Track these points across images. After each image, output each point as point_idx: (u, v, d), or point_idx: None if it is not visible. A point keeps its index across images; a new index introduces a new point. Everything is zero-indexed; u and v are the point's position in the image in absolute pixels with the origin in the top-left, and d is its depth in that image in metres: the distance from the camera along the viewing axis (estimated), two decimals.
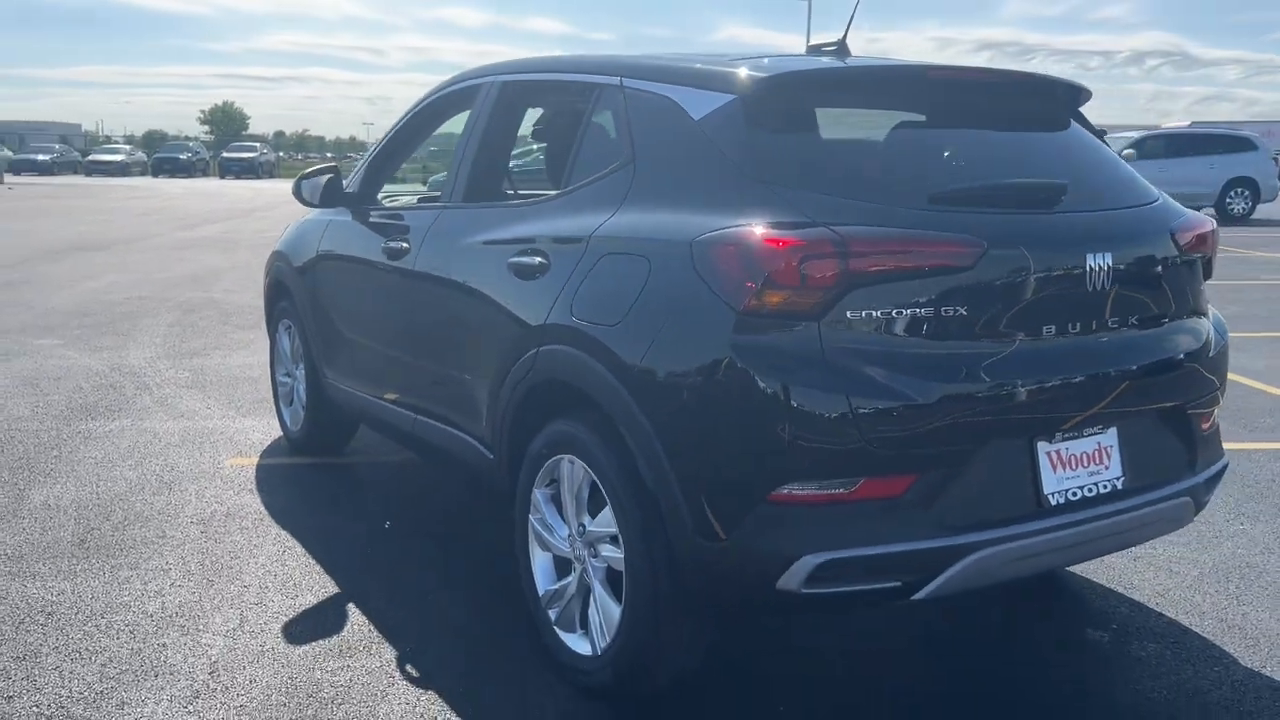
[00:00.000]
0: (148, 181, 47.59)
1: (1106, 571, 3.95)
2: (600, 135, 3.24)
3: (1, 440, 5.46)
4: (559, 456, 3.04)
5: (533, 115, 4.03)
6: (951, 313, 2.54)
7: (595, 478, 2.87)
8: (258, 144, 63.56)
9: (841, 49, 3.32)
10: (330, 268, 4.70)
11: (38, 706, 2.91)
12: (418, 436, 4.03)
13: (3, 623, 3.42)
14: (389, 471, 5.18)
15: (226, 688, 3.03)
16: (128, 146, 67.98)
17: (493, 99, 3.81)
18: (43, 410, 6.09)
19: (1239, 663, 3.27)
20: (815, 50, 3.36)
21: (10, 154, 54.10)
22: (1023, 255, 2.64)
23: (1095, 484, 2.79)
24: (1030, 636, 3.52)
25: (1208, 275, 3.19)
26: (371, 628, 3.43)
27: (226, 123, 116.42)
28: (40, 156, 53.23)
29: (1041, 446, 2.70)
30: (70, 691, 2.99)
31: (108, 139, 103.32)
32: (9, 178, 42.75)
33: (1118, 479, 2.84)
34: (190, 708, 2.91)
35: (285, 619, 3.49)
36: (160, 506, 4.53)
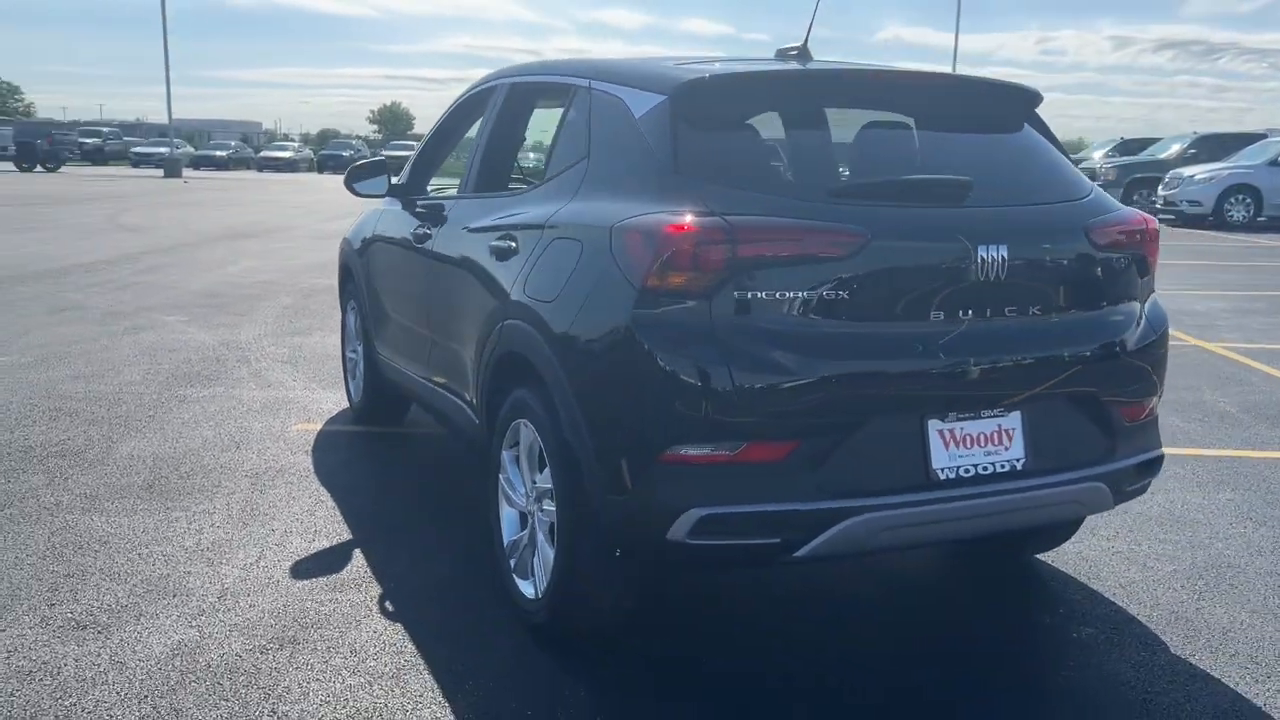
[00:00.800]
0: (312, 177, 50.29)
1: (1078, 563, 4.05)
2: (572, 131, 3.57)
3: (111, 400, 6.16)
4: (518, 420, 3.38)
5: (536, 114, 4.40)
6: (834, 296, 2.78)
7: (540, 439, 3.20)
8: (414, 143, 66.07)
9: (803, 53, 3.56)
10: (377, 251, 5.19)
11: (72, 614, 3.43)
12: (434, 405, 4.46)
13: (66, 546, 3.98)
14: (435, 441, 5.63)
15: (229, 609, 3.49)
16: (296, 143, 71.89)
17: (501, 99, 4.21)
18: (151, 376, 6.81)
19: (1169, 651, 3.37)
20: (782, 54, 3.60)
21: (192, 150, 57.94)
22: (907, 246, 2.86)
23: (992, 463, 2.96)
24: (974, 613, 3.68)
25: (1144, 272, 3.30)
26: (367, 570, 3.85)
27: (393, 122, 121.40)
28: (218, 152, 56.85)
29: (933, 425, 2.90)
30: (102, 604, 3.51)
31: (285, 136, 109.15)
32: (188, 172, 45.77)
33: (1018, 460, 3.00)
34: (194, 622, 3.39)
35: (297, 559, 3.95)
36: (224, 462, 5.09)
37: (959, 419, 2.93)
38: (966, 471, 2.93)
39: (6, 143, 40.47)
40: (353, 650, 3.24)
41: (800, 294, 2.76)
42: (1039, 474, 3.02)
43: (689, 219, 2.76)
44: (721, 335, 2.72)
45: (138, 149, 53.69)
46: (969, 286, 2.90)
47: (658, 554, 2.86)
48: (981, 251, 2.89)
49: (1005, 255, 2.91)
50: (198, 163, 54.42)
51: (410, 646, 3.27)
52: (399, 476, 5.03)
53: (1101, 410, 3.15)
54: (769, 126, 3.26)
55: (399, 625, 3.41)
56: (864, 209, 2.87)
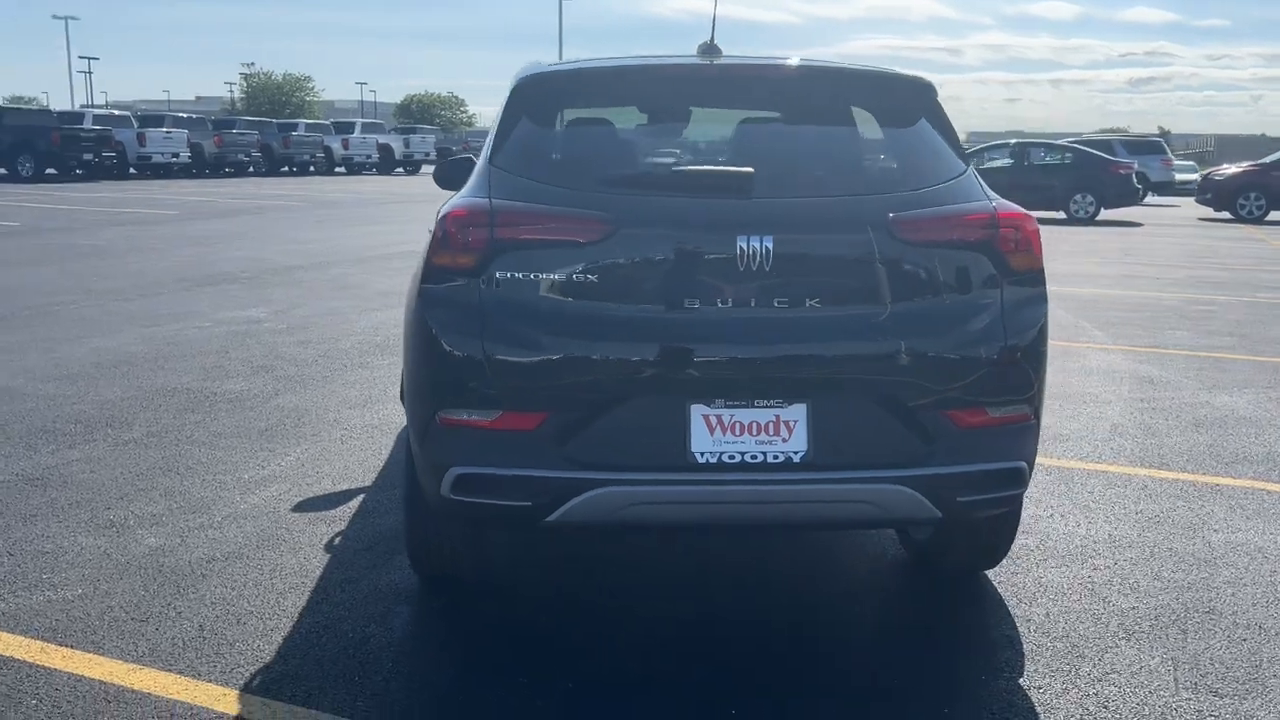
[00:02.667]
0: None
1: (1024, 573, 3.81)
2: None
3: (312, 362, 7.27)
4: None
5: None
6: (584, 280, 2.96)
7: None
8: None
9: (711, 49, 3.66)
10: None
11: (114, 517, 4.33)
12: None
13: (158, 468, 4.95)
14: None
15: (218, 525, 4.24)
16: None
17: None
18: (360, 346, 7.90)
19: (995, 657, 3.17)
20: (704, 47, 3.73)
21: None
22: (657, 234, 2.96)
23: (764, 452, 2.98)
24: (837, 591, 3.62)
25: (998, 270, 3.11)
26: (359, 507, 4.46)
27: None
28: None
29: (696, 409, 2.98)
30: (142, 513, 4.38)
31: None
32: None
33: (797, 452, 2.99)
34: (184, 532, 4.16)
35: (327, 490, 4.66)
36: (343, 418, 5.93)
37: (728, 406, 2.99)
38: (731, 458, 2.98)
39: (428, 149, 46.05)
40: (274, 568, 3.84)
41: (554, 276, 2.97)
42: (822, 469, 2.99)
43: (463, 204, 3.07)
44: (485, 311, 3.00)
45: None
46: (730, 276, 2.95)
47: (440, 508, 3.18)
48: (741, 242, 2.93)
49: (770, 247, 2.93)
50: None
51: (314, 569, 3.82)
52: None
53: (915, 412, 3.03)
54: (618, 119, 3.45)
55: (333, 548, 3.98)
56: (621, 198, 3.02)
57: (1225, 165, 27.34)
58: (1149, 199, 28.80)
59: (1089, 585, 3.82)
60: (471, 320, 3.01)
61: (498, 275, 3.00)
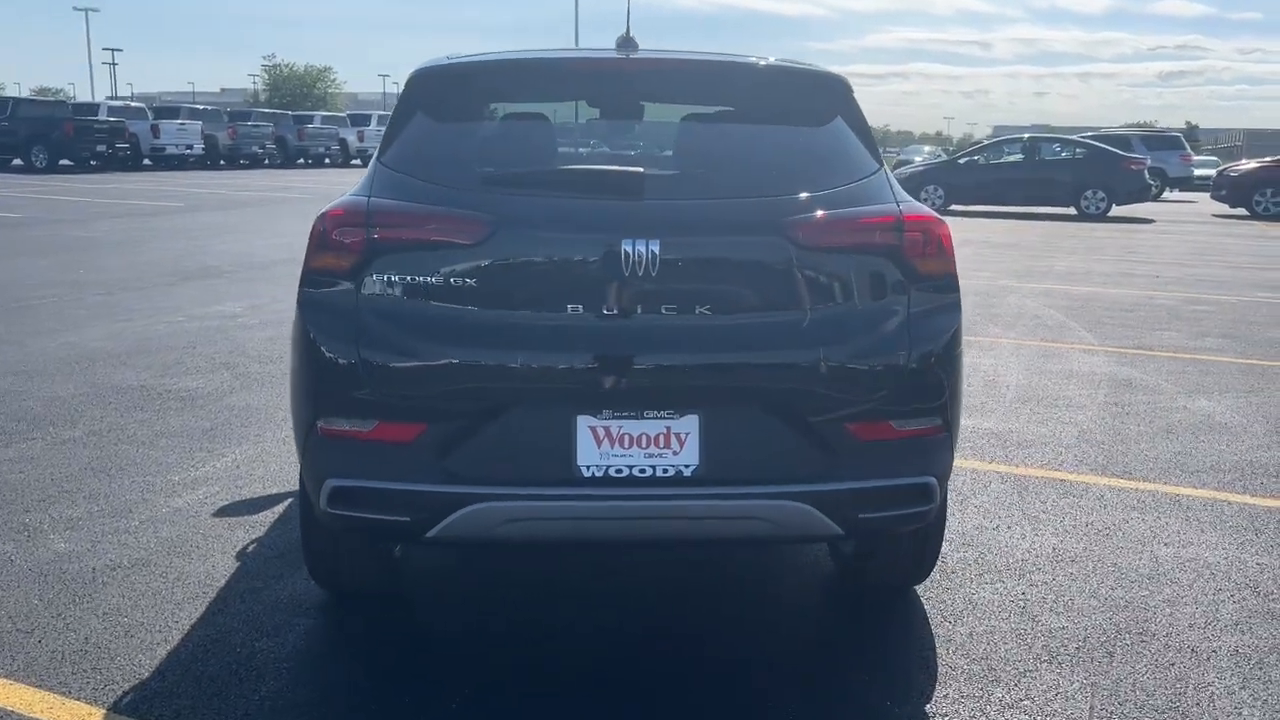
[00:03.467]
0: None
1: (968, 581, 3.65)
2: None
3: (276, 360, 7.18)
4: None
5: None
6: (463, 284, 2.83)
7: None
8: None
9: (628, 43, 3.52)
10: None
11: (30, 522, 4.24)
12: None
13: (88, 470, 4.86)
14: None
15: (130, 531, 4.14)
16: None
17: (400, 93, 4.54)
18: None
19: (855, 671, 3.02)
20: (621, 41, 3.58)
21: None
22: (538, 236, 2.82)
23: (653, 466, 2.85)
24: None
25: (904, 276, 2.95)
26: (284, 512, 4.35)
27: None
28: None
29: (583, 420, 2.85)
30: (60, 516, 4.29)
31: None
32: None
33: (688, 466, 2.85)
34: (92, 538, 4.06)
35: (256, 493, 4.57)
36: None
37: (616, 417, 2.85)
38: (618, 471, 2.84)
39: None
40: (179, 576, 3.74)
41: (433, 279, 2.84)
42: (714, 484, 2.86)
43: (342, 204, 2.95)
44: (362, 316, 2.88)
45: None
46: (616, 281, 2.81)
47: (322, 520, 3.06)
48: (627, 246, 2.79)
49: (657, 251, 2.79)
50: None
51: (218, 578, 3.72)
52: None
53: (814, 425, 2.89)
54: (513, 116, 3.32)
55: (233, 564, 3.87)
56: (502, 198, 2.88)
57: (1243, 160, 26.92)
58: (1166, 195, 28.39)
59: (1021, 603, 3.67)
60: (348, 326, 2.88)
61: (375, 278, 2.87)
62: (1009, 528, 4.38)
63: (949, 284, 3.05)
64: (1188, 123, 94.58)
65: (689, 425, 2.87)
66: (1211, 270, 13.47)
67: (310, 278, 2.96)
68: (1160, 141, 31.24)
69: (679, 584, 3.83)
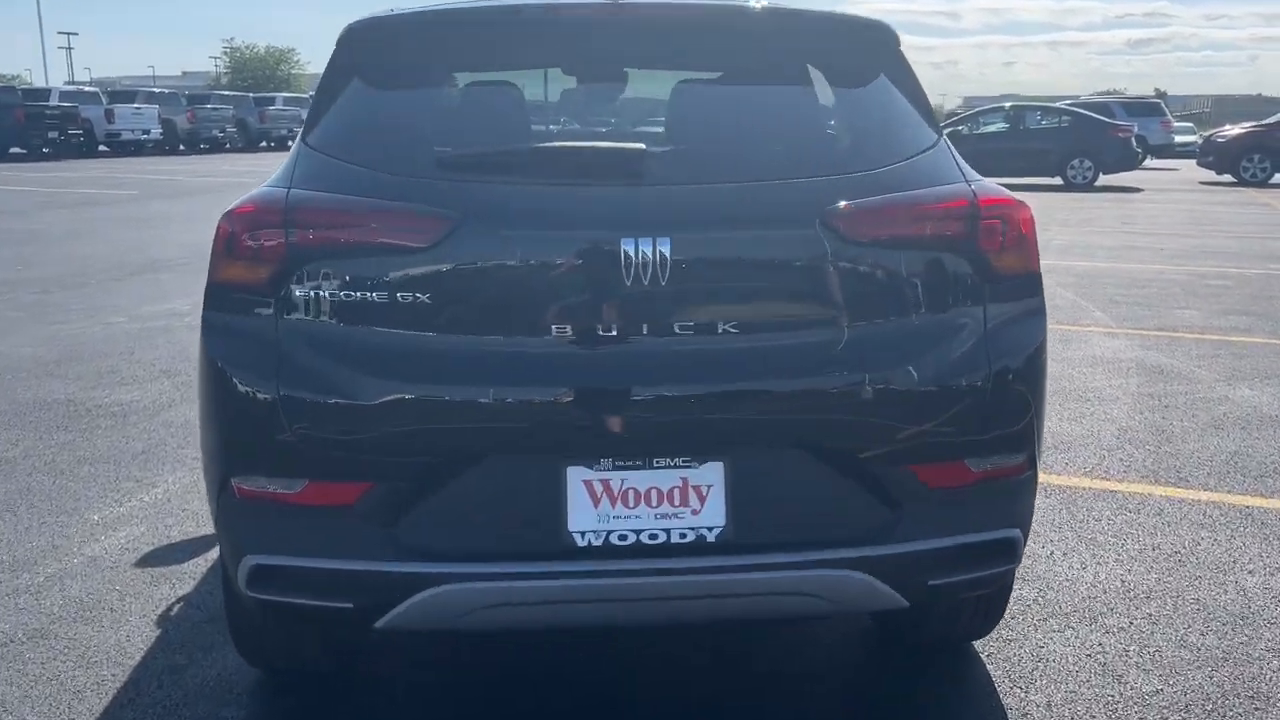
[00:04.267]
0: None
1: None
2: None
3: None
4: None
5: None
6: (418, 299, 2.17)
7: None
8: None
9: None
10: None
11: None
12: None
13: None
14: None
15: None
16: None
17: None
18: None
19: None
20: None
21: None
22: (513, 236, 2.17)
23: (667, 530, 2.21)
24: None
25: (979, 275, 2.32)
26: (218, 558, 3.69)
27: None
28: None
29: (574, 473, 2.20)
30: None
31: None
32: None
33: (713, 528, 2.22)
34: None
35: (189, 534, 3.92)
36: None
37: (618, 467, 2.21)
38: (622, 538, 2.20)
39: None
40: (84, 651, 3.07)
41: (373, 294, 2.19)
42: (745, 550, 2.22)
43: (254, 198, 2.28)
44: (282, 344, 2.22)
45: None
46: (615, 293, 2.16)
47: (248, 604, 2.40)
48: (628, 246, 2.14)
49: (666, 252, 2.14)
50: None
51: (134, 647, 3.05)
52: None
53: (870, 470, 2.26)
54: (477, 79, 2.65)
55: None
56: (465, 186, 2.22)
57: (1227, 126, 26.47)
58: (1147, 163, 27.93)
59: (1100, 658, 3.06)
60: (265, 356, 2.22)
61: (299, 294, 2.21)
62: (1065, 555, 3.77)
63: (1032, 284, 2.42)
64: (1156, 90, 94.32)
65: (712, 475, 2.22)
66: (1216, 241, 12.93)
67: (215, 295, 2.30)
68: (1141, 108, 30.73)
69: (693, 639, 3.19)
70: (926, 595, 2.33)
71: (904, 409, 2.25)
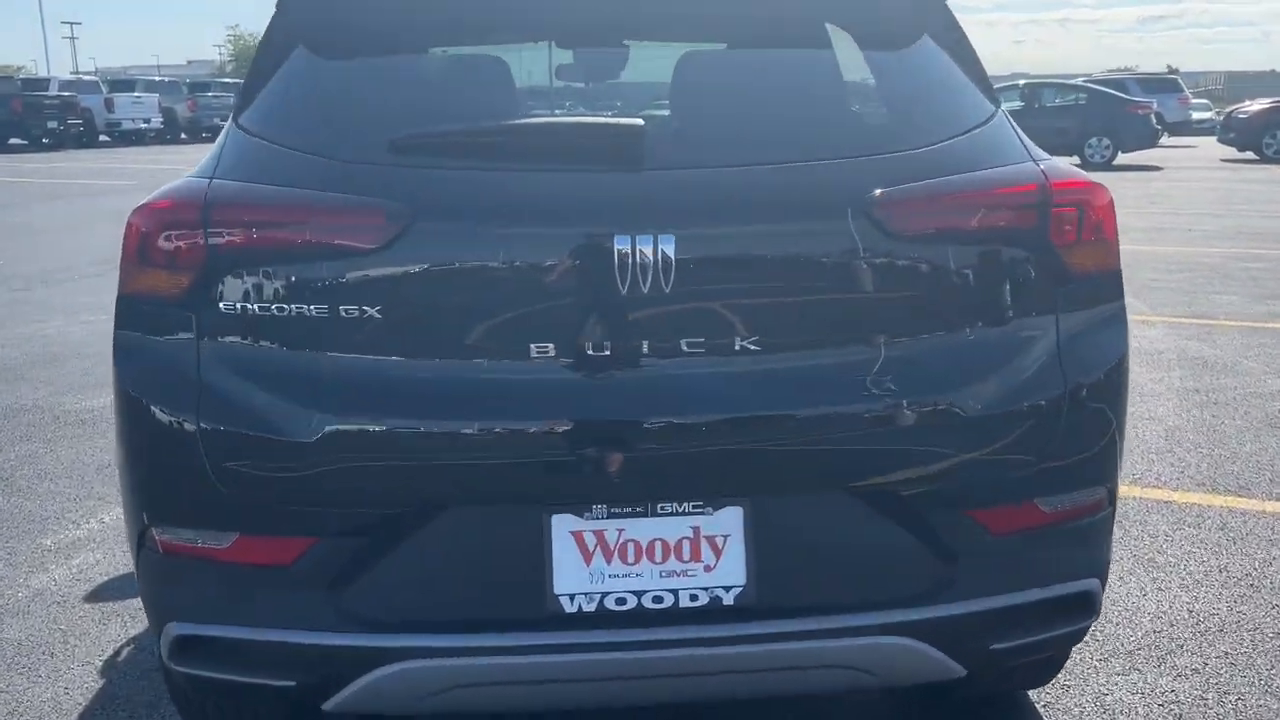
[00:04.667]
0: None
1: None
2: None
3: None
4: None
5: None
6: (365, 313, 1.77)
7: None
8: None
9: None
10: None
11: None
12: None
13: None
14: None
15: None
16: None
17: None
18: None
19: None
20: None
21: None
22: (480, 234, 1.77)
23: (673, 591, 1.82)
24: None
25: (1061, 272, 1.92)
26: None
27: None
28: None
29: (560, 522, 1.81)
30: None
31: None
32: None
33: (731, 588, 1.82)
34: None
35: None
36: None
37: (614, 515, 1.81)
38: (620, 601, 1.81)
39: None
40: (13, 710, 2.69)
41: (314, 308, 1.79)
42: (771, 615, 1.82)
43: (169, 191, 1.89)
44: (205, 369, 1.83)
45: None
46: (607, 302, 1.76)
47: (177, 678, 2.01)
48: (622, 244, 1.73)
49: (670, 251, 1.73)
50: None
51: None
52: None
53: (920, 513, 1.86)
54: (442, 48, 2.24)
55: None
56: (420, 173, 1.82)
57: (1247, 102, 25.85)
58: (1164, 140, 27.40)
59: (1174, 709, 2.66)
60: (184, 383, 1.83)
61: (222, 308, 1.82)
62: (1123, 579, 3.37)
63: (1113, 285, 2.02)
64: (1169, 67, 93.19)
65: (729, 523, 1.83)
66: (1248, 221, 12.45)
67: (127, 310, 1.91)
68: (1157, 84, 30.08)
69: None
70: (987, 662, 1.94)
71: (961, 440, 1.85)
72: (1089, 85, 23.54)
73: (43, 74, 45.11)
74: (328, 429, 1.76)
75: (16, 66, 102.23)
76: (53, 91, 31.10)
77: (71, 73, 69.01)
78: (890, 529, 1.86)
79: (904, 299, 1.85)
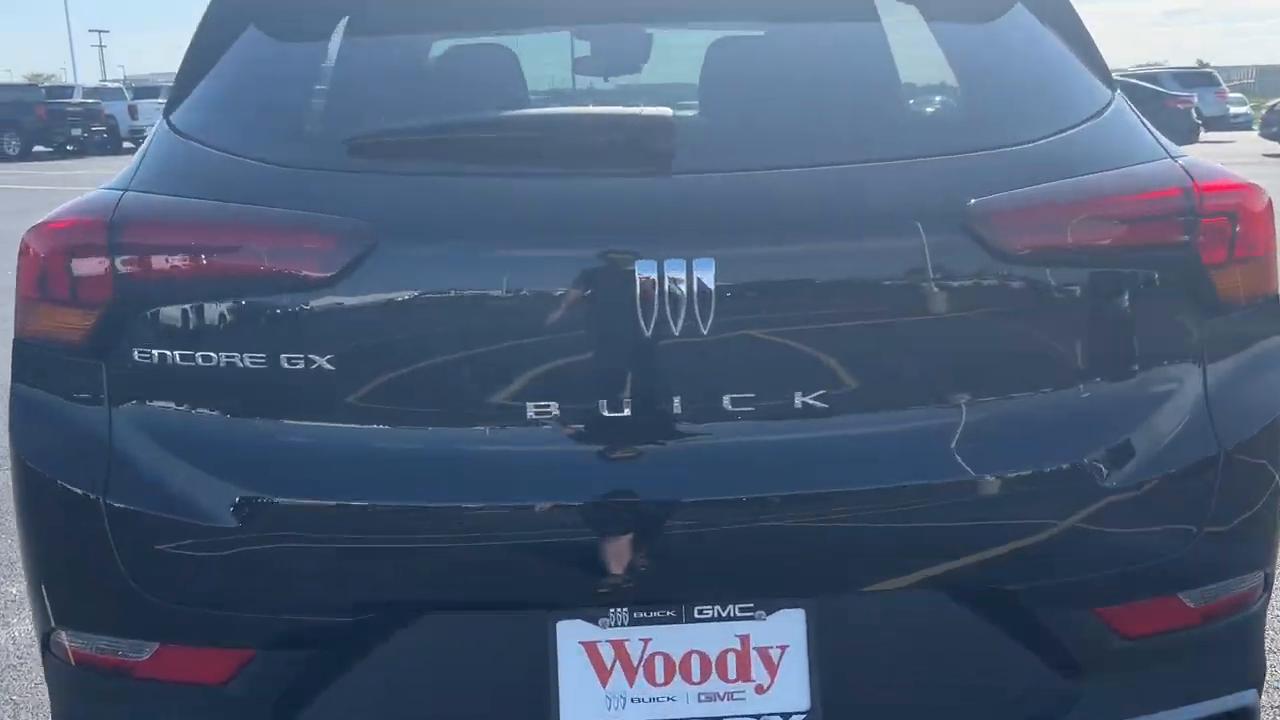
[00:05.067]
0: None
1: None
2: None
3: None
4: None
5: None
6: (314, 364, 1.37)
7: None
8: None
9: None
10: None
11: None
12: None
13: None
14: None
15: None
16: None
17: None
18: None
19: None
20: None
21: None
22: (462, 259, 1.37)
23: (717, 719, 1.41)
24: None
25: (1209, 297, 1.50)
26: None
27: None
28: None
29: (569, 631, 1.41)
30: None
31: None
32: None
33: (791, 715, 1.42)
34: None
35: None
36: None
37: (637, 621, 1.41)
38: None
39: None
40: None
41: (250, 358, 1.39)
42: None
43: (73, 208, 1.52)
44: (116, 435, 1.45)
45: None
46: (628, 347, 1.37)
47: None
48: (647, 271, 1.33)
49: (708, 280, 1.33)
50: None
51: None
52: None
53: (1029, 614, 1.45)
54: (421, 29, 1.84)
55: None
56: (383, 181, 1.43)
57: None
58: (1201, 135, 26.82)
59: None
60: (90, 453, 1.46)
61: (137, 357, 1.43)
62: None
63: (1271, 315, 1.59)
64: (1199, 60, 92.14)
65: (788, 631, 1.42)
66: None
67: (23, 357, 1.54)
68: (1193, 78, 29.44)
69: None
70: None
71: (1086, 519, 1.44)
72: (1126, 79, 23.02)
73: (67, 83, 45.46)
74: (268, 513, 1.37)
75: (46, 75, 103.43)
76: (76, 99, 31.20)
77: (100, 81, 69.67)
78: (995, 636, 1.45)
79: (1012, 339, 1.44)
